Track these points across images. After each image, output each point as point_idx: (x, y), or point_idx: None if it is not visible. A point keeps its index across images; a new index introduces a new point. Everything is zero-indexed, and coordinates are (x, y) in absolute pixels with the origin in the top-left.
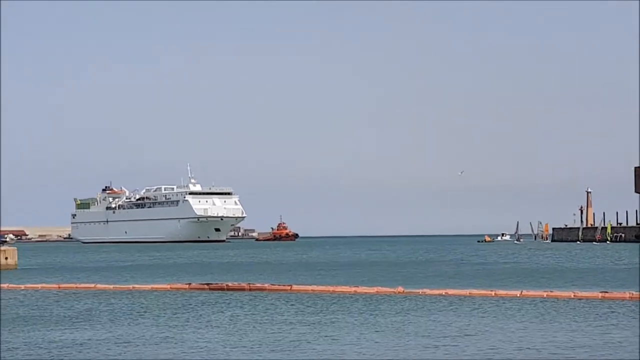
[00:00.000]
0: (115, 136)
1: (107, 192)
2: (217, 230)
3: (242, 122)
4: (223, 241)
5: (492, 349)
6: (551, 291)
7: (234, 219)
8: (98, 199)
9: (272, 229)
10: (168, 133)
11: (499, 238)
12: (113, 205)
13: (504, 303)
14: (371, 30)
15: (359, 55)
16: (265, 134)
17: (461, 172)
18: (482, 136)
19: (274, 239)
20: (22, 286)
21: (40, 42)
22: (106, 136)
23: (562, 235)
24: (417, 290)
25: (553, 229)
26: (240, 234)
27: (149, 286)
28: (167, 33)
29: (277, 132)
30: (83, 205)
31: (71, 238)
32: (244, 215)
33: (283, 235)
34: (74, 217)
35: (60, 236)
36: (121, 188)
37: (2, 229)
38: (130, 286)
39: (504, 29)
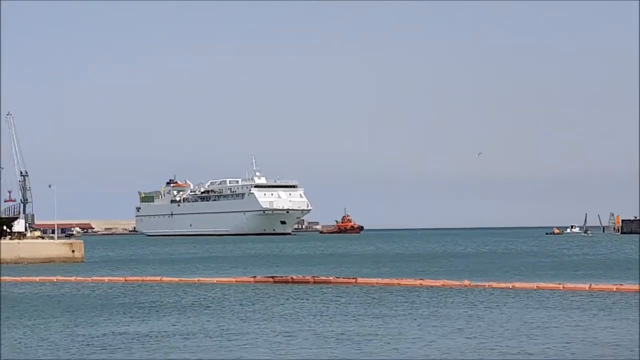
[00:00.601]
0: (179, 130)
1: (172, 185)
2: (283, 223)
3: (302, 114)
4: (289, 234)
5: (560, 344)
6: (620, 284)
7: (300, 211)
8: (162, 192)
9: (337, 221)
10: (231, 127)
11: (568, 230)
12: (177, 199)
13: (572, 296)
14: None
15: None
16: (327, 127)
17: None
18: (548, 127)
19: (339, 232)
20: (90, 279)
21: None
22: (169, 130)
23: (631, 227)
24: (484, 284)
25: (622, 221)
26: (303, 226)
27: (214, 279)
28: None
29: (340, 125)
30: (147, 198)
31: (136, 231)
32: (309, 207)
33: (348, 227)
34: (138, 211)
35: (125, 229)
36: (185, 181)
37: (69, 222)
38: (196, 279)
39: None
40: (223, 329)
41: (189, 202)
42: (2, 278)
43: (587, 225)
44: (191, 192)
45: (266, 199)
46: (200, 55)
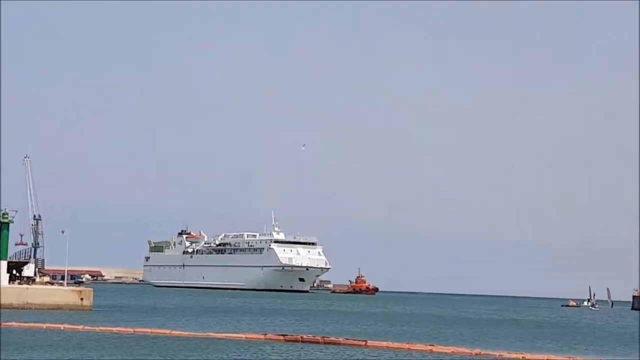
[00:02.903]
0: (190, 182)
1: (185, 235)
2: (302, 280)
3: (317, 170)
4: (307, 291)
5: None
6: None
7: (319, 269)
8: (172, 242)
9: (350, 281)
10: (243, 180)
11: (585, 303)
12: (190, 250)
13: None
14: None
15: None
16: (342, 183)
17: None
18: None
19: (353, 292)
20: (98, 328)
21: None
22: (181, 181)
23: None
24: (494, 353)
25: (633, 296)
26: (315, 284)
27: (224, 334)
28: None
29: (355, 182)
30: (157, 248)
31: (144, 281)
32: (328, 266)
33: (362, 288)
34: (147, 260)
35: (136, 278)
36: (200, 232)
37: (79, 269)
38: (205, 334)
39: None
40: None
41: (202, 254)
42: (9, 323)
43: (596, 299)
44: (205, 244)
45: (286, 255)
46: (221, 98)
